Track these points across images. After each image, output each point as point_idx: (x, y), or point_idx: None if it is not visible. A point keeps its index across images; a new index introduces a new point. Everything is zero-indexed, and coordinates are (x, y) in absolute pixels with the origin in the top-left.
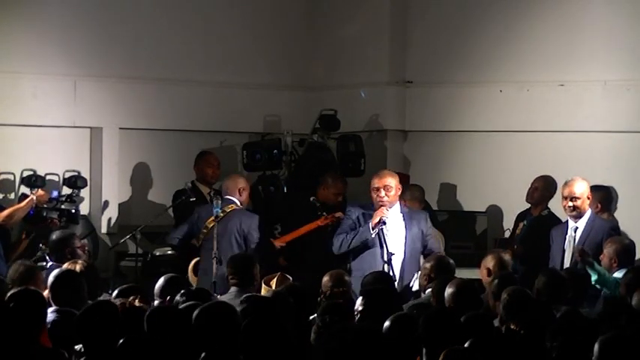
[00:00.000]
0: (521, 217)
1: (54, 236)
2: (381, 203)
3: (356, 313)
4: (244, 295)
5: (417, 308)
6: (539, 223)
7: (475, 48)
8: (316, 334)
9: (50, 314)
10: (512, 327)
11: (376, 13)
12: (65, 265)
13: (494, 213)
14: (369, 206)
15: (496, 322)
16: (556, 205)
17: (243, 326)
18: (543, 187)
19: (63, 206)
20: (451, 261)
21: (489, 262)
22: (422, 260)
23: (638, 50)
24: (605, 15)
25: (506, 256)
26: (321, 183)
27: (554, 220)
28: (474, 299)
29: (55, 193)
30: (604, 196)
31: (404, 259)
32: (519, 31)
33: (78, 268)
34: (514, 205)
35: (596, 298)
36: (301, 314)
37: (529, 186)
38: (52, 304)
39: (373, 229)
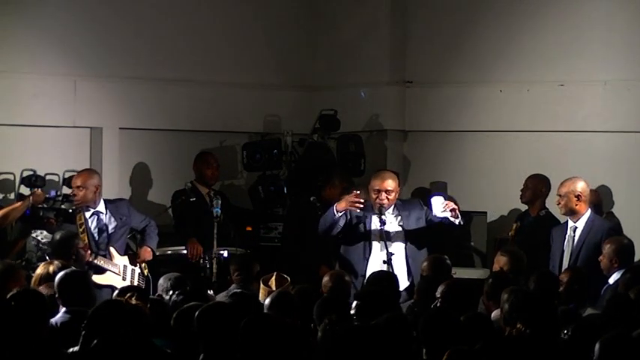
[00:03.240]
0: (519, 218)
1: (57, 237)
2: (379, 205)
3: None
4: (233, 291)
5: (416, 306)
6: (537, 224)
7: (475, 48)
8: (323, 332)
9: (62, 315)
10: (518, 327)
11: (376, 13)
12: (41, 266)
13: (494, 213)
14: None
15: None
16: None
17: (241, 326)
18: (534, 186)
19: (62, 206)
20: (447, 260)
21: (502, 261)
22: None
23: (638, 50)
24: (605, 15)
25: (522, 254)
26: (328, 182)
27: (553, 221)
28: (470, 299)
29: (52, 193)
30: (597, 197)
31: (408, 256)
32: (519, 31)
33: (52, 269)
34: (513, 205)
35: (596, 298)
36: (307, 315)
37: None
38: (61, 305)
39: (338, 211)
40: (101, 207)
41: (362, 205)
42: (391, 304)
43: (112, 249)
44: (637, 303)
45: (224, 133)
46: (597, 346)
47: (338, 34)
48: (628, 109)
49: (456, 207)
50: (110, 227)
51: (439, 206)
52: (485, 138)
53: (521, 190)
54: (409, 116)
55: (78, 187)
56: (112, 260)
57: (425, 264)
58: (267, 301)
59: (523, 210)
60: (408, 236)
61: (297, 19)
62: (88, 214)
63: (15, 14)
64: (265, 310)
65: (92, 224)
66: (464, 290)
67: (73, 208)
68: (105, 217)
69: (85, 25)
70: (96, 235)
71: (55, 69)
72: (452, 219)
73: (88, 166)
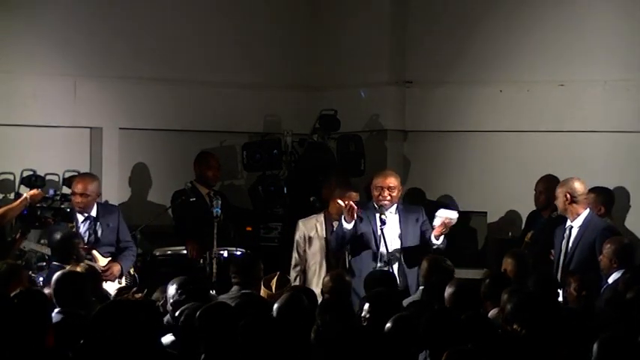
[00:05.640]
0: (531, 218)
1: (57, 236)
2: (382, 203)
3: (363, 320)
4: (241, 292)
5: (413, 306)
6: (550, 226)
7: (475, 48)
8: (316, 334)
9: (55, 315)
10: (515, 327)
11: (376, 13)
12: (68, 267)
13: (494, 213)
14: (365, 205)
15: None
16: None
17: (241, 326)
18: (547, 189)
19: (62, 206)
20: (448, 261)
21: (509, 263)
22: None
23: (638, 50)
24: (605, 15)
25: (526, 257)
26: (326, 183)
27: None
28: (473, 299)
29: (51, 192)
30: (606, 199)
31: (401, 258)
32: (519, 31)
33: (79, 269)
34: (514, 205)
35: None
36: (312, 316)
37: (530, 186)
38: (56, 305)
39: (347, 222)
40: (93, 211)
41: (356, 209)
42: (397, 305)
43: (94, 252)
44: (636, 303)
45: (224, 133)
46: (595, 346)
47: (338, 34)
48: (628, 109)
49: (446, 231)
50: (98, 232)
51: (440, 218)
52: (485, 138)
53: (535, 196)
54: (409, 116)
55: (82, 194)
56: (97, 263)
57: (425, 265)
58: (276, 305)
59: (524, 211)
60: (403, 239)
61: (297, 19)
62: (80, 218)
63: (15, 14)
64: (275, 313)
65: (83, 228)
66: (471, 292)
67: (72, 207)
68: (96, 222)
69: (85, 25)
70: (85, 238)
71: (55, 69)
72: (433, 237)
73: (88, 166)
